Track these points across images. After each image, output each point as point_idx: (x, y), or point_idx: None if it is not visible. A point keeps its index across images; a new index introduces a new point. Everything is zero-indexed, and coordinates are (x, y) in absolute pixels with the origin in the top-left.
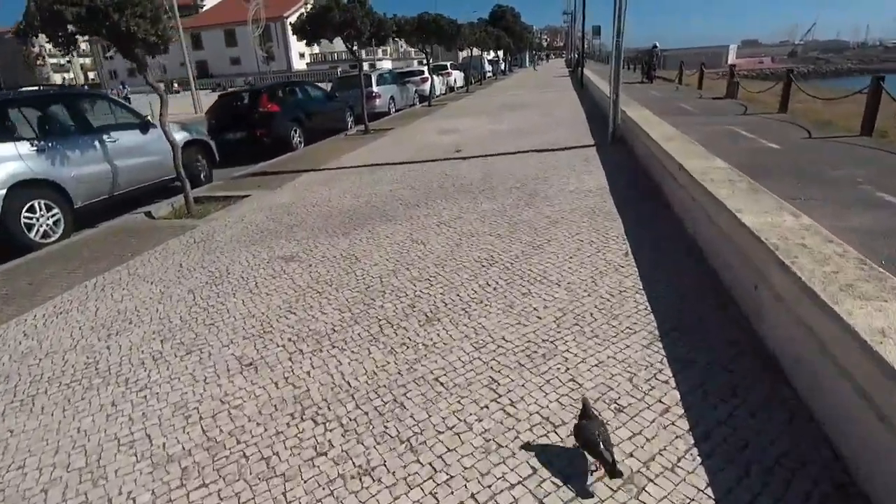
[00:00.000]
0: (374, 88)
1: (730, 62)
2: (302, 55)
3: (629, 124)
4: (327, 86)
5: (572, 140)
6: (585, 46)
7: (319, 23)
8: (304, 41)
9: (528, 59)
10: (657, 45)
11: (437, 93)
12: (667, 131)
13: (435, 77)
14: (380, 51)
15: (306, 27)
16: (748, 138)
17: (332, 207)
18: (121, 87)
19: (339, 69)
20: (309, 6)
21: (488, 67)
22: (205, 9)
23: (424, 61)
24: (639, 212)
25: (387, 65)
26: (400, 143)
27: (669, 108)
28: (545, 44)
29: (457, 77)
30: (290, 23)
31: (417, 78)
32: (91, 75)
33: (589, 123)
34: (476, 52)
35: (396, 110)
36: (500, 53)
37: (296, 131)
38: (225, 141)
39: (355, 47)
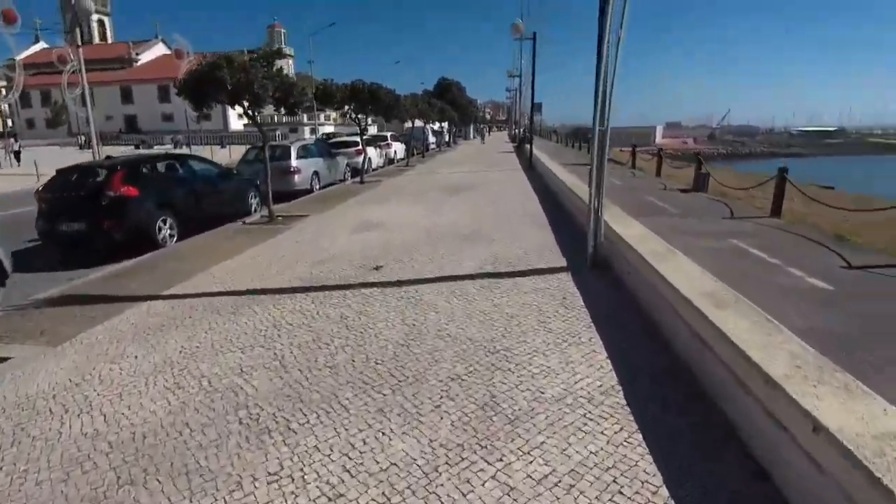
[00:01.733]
0: (294, 162)
1: (657, 141)
2: (241, 115)
3: (616, 242)
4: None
5: (535, 253)
6: (528, 122)
7: (207, 83)
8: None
9: (472, 131)
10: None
11: (375, 165)
12: (691, 272)
13: (372, 149)
14: (322, 115)
15: (192, 88)
16: (771, 265)
17: (93, 445)
18: None
19: (278, 132)
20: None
21: (432, 139)
22: (139, 63)
23: (361, 132)
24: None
25: (329, 131)
26: (304, 242)
27: (640, 205)
28: (488, 117)
29: (397, 149)
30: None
31: (352, 149)
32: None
33: (550, 223)
34: (420, 122)
35: (322, 187)
36: (445, 125)
37: (165, 221)
38: (58, 234)
39: (258, 115)
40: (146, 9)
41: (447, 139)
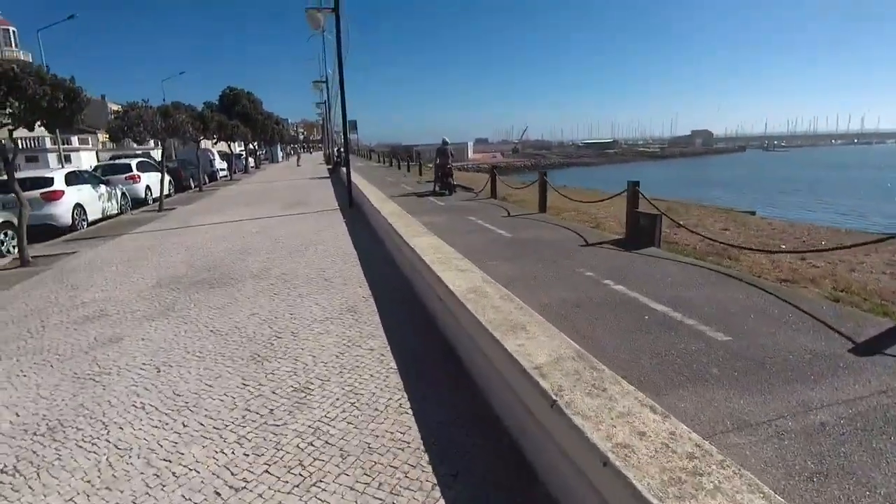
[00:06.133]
0: None
1: (470, 157)
2: None
3: None
4: None
5: None
6: (344, 140)
7: None
8: None
9: (280, 152)
10: (447, 140)
11: (95, 216)
12: None
13: (88, 190)
14: (75, 139)
15: None
16: None
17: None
18: None
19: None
20: None
21: (220, 164)
22: None
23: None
24: None
25: (87, 157)
26: None
27: (611, 310)
28: (302, 137)
29: (152, 184)
30: None
31: (36, 193)
32: None
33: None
34: (207, 143)
35: None
36: (241, 147)
37: None
38: None
39: None
40: None
41: (245, 164)
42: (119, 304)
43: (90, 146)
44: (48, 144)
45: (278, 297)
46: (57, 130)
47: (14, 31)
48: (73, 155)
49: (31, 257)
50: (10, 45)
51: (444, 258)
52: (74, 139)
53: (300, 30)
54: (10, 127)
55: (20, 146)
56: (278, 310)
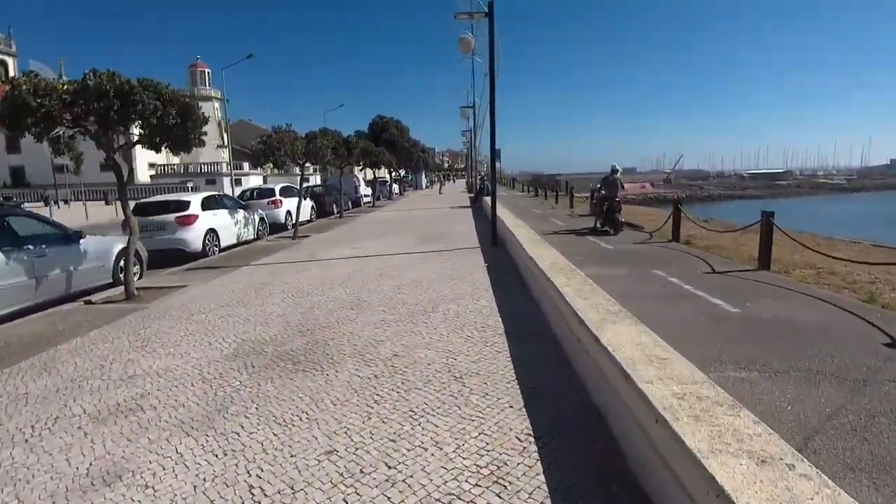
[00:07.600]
0: None
1: None
2: (152, 165)
3: None
4: None
5: None
6: (486, 169)
7: None
8: None
9: (424, 180)
10: (617, 166)
11: (229, 242)
12: None
13: (221, 214)
14: (246, 164)
15: None
16: None
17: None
18: None
19: (191, 184)
20: None
21: (365, 191)
22: None
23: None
24: None
25: (256, 181)
26: None
27: None
28: (446, 165)
29: (292, 209)
30: None
31: (171, 217)
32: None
33: None
34: (356, 169)
35: None
36: (385, 173)
37: None
38: None
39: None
40: (59, 50)
41: (389, 190)
42: (168, 386)
43: (258, 171)
44: (223, 169)
45: (379, 408)
46: (230, 154)
47: (208, 73)
48: (243, 179)
49: (139, 289)
50: (205, 84)
51: (691, 403)
52: (245, 165)
53: (452, 55)
54: (124, 147)
55: (203, 170)
56: (372, 447)
